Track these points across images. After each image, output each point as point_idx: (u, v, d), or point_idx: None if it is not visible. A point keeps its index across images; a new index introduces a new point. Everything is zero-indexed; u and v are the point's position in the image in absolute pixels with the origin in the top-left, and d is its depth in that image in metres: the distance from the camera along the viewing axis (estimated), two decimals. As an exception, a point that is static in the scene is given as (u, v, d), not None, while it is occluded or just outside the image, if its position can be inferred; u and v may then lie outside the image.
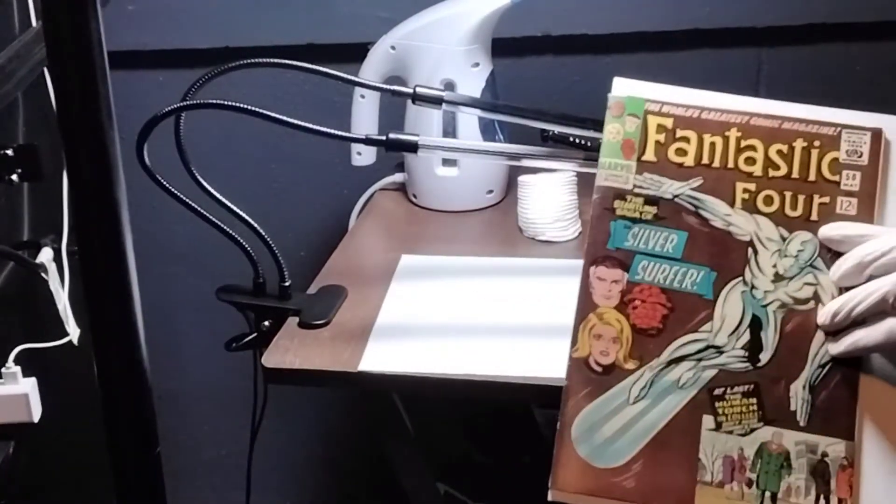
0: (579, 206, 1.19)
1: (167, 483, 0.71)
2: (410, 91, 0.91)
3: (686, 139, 0.72)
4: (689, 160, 0.72)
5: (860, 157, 0.71)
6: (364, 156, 1.32)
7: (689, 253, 0.70)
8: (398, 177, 1.37)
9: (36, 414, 1.15)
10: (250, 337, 1.00)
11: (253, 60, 0.90)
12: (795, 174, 0.71)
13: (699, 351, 0.69)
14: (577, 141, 1.23)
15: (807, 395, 0.68)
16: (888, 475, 0.67)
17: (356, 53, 1.30)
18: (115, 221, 0.63)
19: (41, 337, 1.21)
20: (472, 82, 1.25)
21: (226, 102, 0.88)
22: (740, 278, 0.70)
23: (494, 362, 0.90)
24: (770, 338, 0.69)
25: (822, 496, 0.67)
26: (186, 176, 0.92)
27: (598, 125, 0.75)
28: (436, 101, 0.92)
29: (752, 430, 0.68)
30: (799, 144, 0.71)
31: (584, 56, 1.51)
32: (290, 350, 0.93)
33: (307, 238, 1.60)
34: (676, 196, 0.71)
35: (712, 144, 0.72)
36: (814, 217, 0.70)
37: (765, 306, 0.69)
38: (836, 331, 0.67)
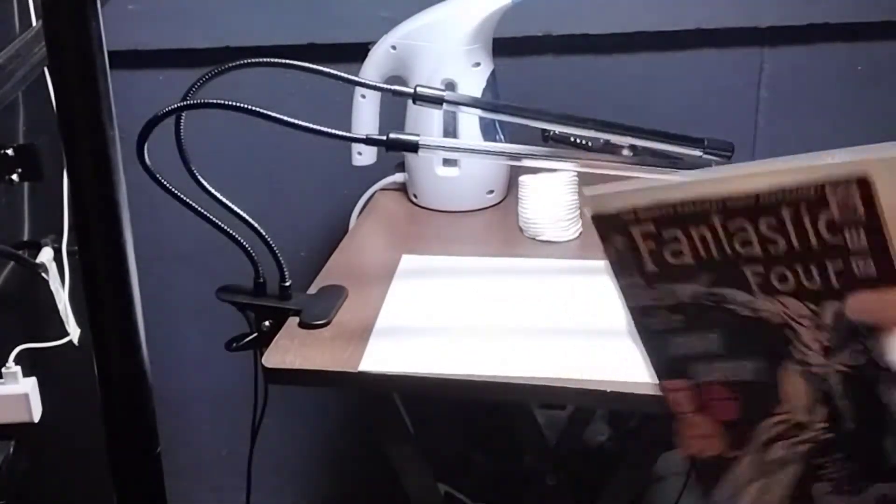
0: (580, 207, 1.19)
1: (167, 483, 0.71)
2: (411, 91, 0.91)
3: (675, 239, 0.67)
4: (687, 259, 0.67)
5: (855, 212, 0.64)
6: (365, 156, 1.32)
7: (731, 347, 0.68)
8: (399, 177, 1.37)
9: (36, 414, 1.15)
10: (251, 337, 1.00)
11: (253, 60, 0.90)
12: (796, 246, 0.65)
13: (787, 430, 0.67)
14: (578, 141, 1.23)
15: None
16: None
17: (357, 53, 1.30)
18: (116, 221, 0.63)
19: (41, 337, 1.21)
20: (473, 82, 1.25)
21: (226, 102, 0.87)
22: (791, 359, 0.66)
23: (494, 362, 0.90)
24: (844, 406, 0.66)
25: None
26: (187, 176, 0.92)
27: (599, 125, 0.74)
28: (436, 101, 0.92)
29: (867, 488, 0.67)
30: (786, 214, 0.65)
31: (584, 56, 1.51)
32: (291, 350, 0.93)
33: (308, 238, 1.60)
34: (694, 297, 0.68)
35: (702, 237, 0.67)
36: (834, 284, 0.64)
37: (826, 379, 0.66)
38: None
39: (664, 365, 0.69)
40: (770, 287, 0.65)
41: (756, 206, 0.65)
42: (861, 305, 0.62)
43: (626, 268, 0.69)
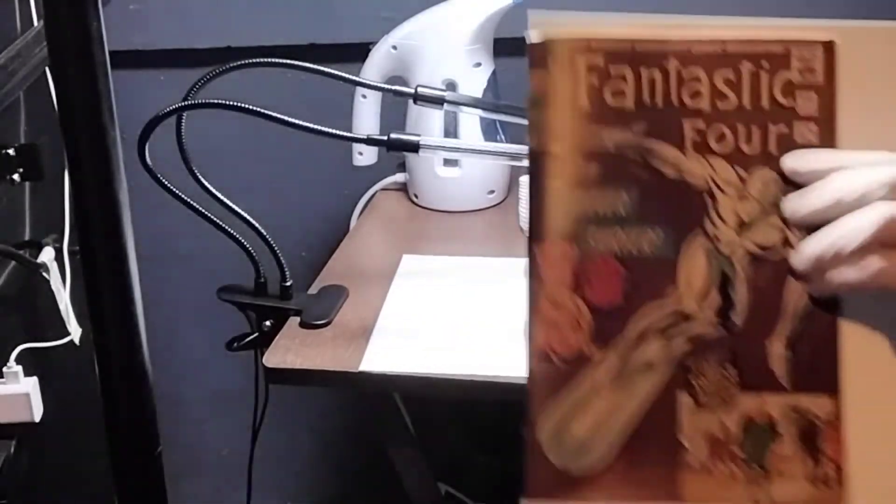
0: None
1: (168, 483, 0.71)
2: (412, 91, 0.91)
3: (622, 77, 0.63)
4: (628, 102, 0.63)
5: (814, 74, 0.63)
6: (365, 156, 1.32)
7: (641, 211, 0.63)
8: (399, 177, 1.37)
9: (37, 413, 1.15)
10: (251, 337, 1.00)
11: (254, 60, 0.90)
12: (747, 104, 0.63)
13: (666, 322, 0.63)
14: (579, 141, 1.23)
15: (786, 352, 0.62)
16: (876, 426, 0.63)
17: (358, 53, 1.30)
18: (117, 221, 0.63)
19: (42, 336, 1.21)
20: (474, 82, 1.25)
21: (227, 102, 0.88)
22: (701, 232, 0.62)
23: (495, 362, 0.90)
24: (741, 294, 0.63)
25: (812, 462, 0.63)
26: (188, 176, 0.92)
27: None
28: (437, 101, 0.92)
29: (733, 402, 0.63)
30: (746, 68, 0.63)
31: (585, 56, 1.51)
32: (291, 350, 0.93)
33: (308, 238, 1.60)
34: (619, 146, 0.63)
35: (651, 80, 0.63)
36: (772, 150, 0.63)
37: (731, 259, 0.63)
38: (809, 275, 0.61)
39: (555, 224, 0.63)
40: (705, 146, 0.63)
41: (720, 55, 0.63)
42: (797, 159, 0.61)
43: (553, 102, 0.64)
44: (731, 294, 0.62)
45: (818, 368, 0.62)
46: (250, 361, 1.01)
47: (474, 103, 1.00)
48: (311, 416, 1.75)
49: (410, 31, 1.25)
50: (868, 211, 0.58)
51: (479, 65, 1.25)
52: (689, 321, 0.63)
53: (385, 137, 0.91)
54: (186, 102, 0.88)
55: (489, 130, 1.27)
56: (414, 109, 1.27)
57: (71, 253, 1.26)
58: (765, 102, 0.63)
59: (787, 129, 0.62)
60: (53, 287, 1.21)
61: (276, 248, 0.98)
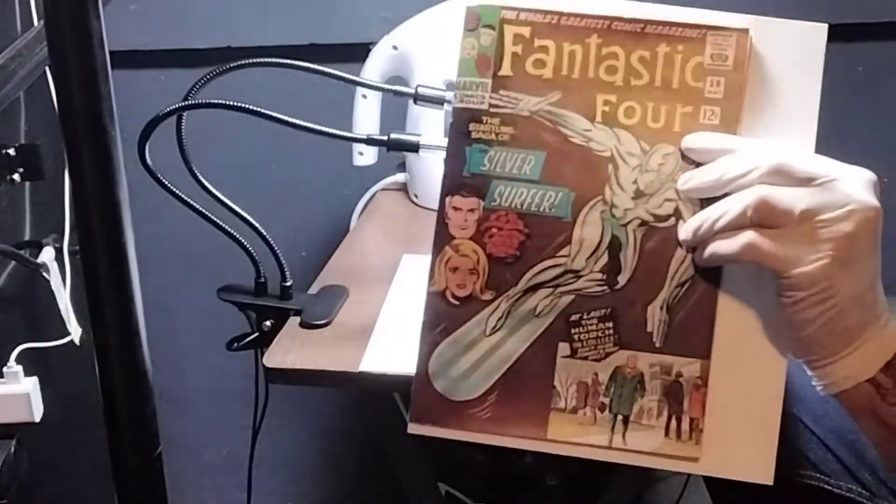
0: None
1: (168, 483, 0.71)
2: (412, 91, 0.91)
3: (545, 49, 0.68)
4: (547, 72, 0.68)
5: (725, 61, 0.67)
6: (366, 156, 1.32)
7: (547, 174, 0.67)
8: (400, 177, 1.37)
9: (37, 413, 1.15)
10: (251, 337, 1.00)
11: (255, 60, 0.90)
12: (658, 82, 0.67)
13: (556, 277, 0.67)
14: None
15: (664, 315, 0.67)
16: (743, 388, 0.67)
17: (358, 53, 1.30)
18: (117, 221, 0.63)
19: (42, 336, 1.21)
20: (474, 82, 1.25)
21: (227, 102, 0.88)
22: (600, 198, 0.67)
23: (496, 362, 0.90)
24: (629, 258, 0.67)
25: (674, 417, 0.67)
26: (188, 176, 0.92)
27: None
28: (438, 102, 0.92)
29: (608, 355, 0.67)
30: (662, 50, 0.67)
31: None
32: (292, 350, 0.93)
33: (308, 238, 1.60)
34: (534, 112, 0.68)
35: (572, 53, 0.67)
36: (676, 128, 0.67)
37: (624, 225, 0.67)
38: (695, 246, 0.66)
39: (465, 179, 0.68)
40: (614, 119, 0.67)
41: (638, 35, 0.67)
42: (694, 140, 0.66)
43: (478, 67, 0.70)
44: (620, 257, 0.67)
45: (691, 334, 0.67)
46: (250, 361, 1.01)
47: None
48: (311, 416, 1.75)
49: (411, 31, 1.25)
50: (745, 192, 0.63)
51: (479, 65, 1.25)
52: (578, 278, 0.67)
53: (385, 137, 0.91)
54: (186, 102, 0.88)
55: (489, 130, 1.27)
56: (414, 109, 1.27)
57: (71, 253, 1.26)
58: (675, 83, 0.67)
59: (692, 110, 0.67)
60: (53, 287, 1.21)
61: (276, 248, 0.98)
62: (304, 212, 1.60)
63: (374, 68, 1.26)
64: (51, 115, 1.25)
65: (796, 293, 0.63)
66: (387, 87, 0.94)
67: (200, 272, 1.61)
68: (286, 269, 1.00)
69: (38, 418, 1.15)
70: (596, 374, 0.67)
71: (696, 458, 0.67)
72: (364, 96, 1.28)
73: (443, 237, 0.68)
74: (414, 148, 0.92)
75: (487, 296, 0.68)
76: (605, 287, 0.67)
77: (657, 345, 0.67)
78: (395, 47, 1.25)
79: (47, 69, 1.11)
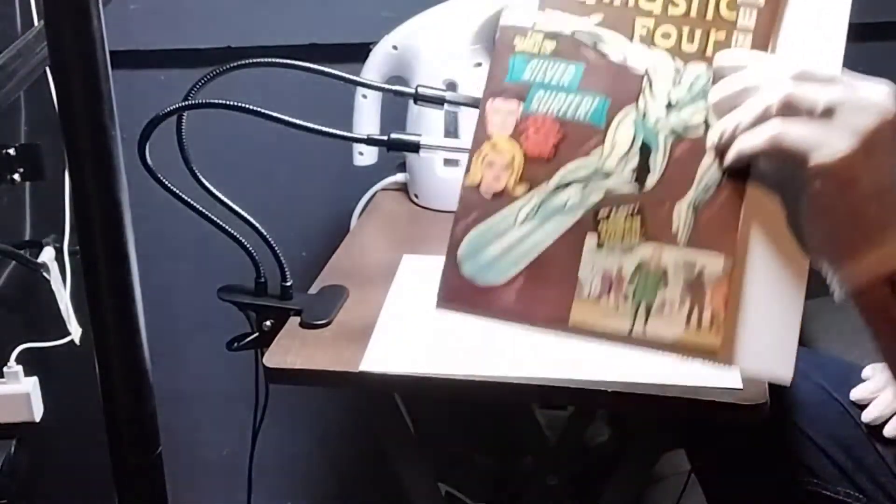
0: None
1: (168, 483, 0.71)
2: (412, 91, 0.91)
3: None
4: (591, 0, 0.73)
5: None
6: (366, 156, 1.32)
7: (584, 84, 0.72)
8: (400, 177, 1.37)
9: (37, 413, 1.15)
10: (252, 337, 1.00)
11: (255, 60, 0.90)
12: (693, 13, 0.72)
13: (588, 176, 0.71)
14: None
15: (690, 214, 0.70)
16: (765, 286, 0.69)
17: (358, 53, 1.30)
18: (117, 221, 0.63)
19: (43, 336, 1.21)
20: (474, 82, 1.25)
21: (228, 102, 0.88)
22: (633, 106, 0.71)
23: (495, 362, 0.90)
24: (659, 162, 0.71)
25: (695, 309, 0.69)
26: (188, 176, 0.92)
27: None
28: (438, 102, 0.92)
29: (633, 249, 0.70)
30: None
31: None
32: (292, 350, 0.93)
33: (309, 238, 1.60)
34: (576, 31, 0.72)
35: None
36: (709, 52, 0.71)
37: (655, 133, 0.71)
38: (724, 151, 0.69)
39: (507, 85, 0.73)
40: (650, 40, 0.72)
41: None
42: (724, 56, 0.70)
43: None
44: (649, 161, 0.71)
45: (716, 232, 0.70)
46: (250, 361, 1.01)
47: (475, 103, 0.99)
48: (311, 416, 1.75)
49: (411, 31, 1.26)
50: (770, 91, 0.66)
51: (479, 65, 1.25)
52: (608, 178, 0.71)
53: (385, 137, 0.91)
54: (187, 102, 0.88)
55: (489, 130, 1.27)
56: (414, 109, 1.27)
57: (71, 253, 1.26)
58: (710, 15, 0.72)
59: (724, 37, 0.71)
60: (54, 287, 1.21)
61: (276, 248, 0.98)
62: (305, 212, 1.60)
63: (375, 68, 1.26)
64: (51, 115, 1.25)
65: (819, 181, 0.64)
66: (387, 87, 0.94)
67: (200, 272, 1.61)
68: (286, 269, 1.00)
69: (38, 418, 1.15)
70: (621, 266, 0.70)
71: (715, 350, 0.69)
72: (364, 96, 1.28)
73: (481, 135, 0.72)
74: (414, 148, 0.92)
75: (520, 190, 0.71)
76: (635, 187, 0.70)
77: (682, 241, 0.70)
78: (395, 47, 1.25)
79: (48, 69, 1.11)
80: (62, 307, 1.23)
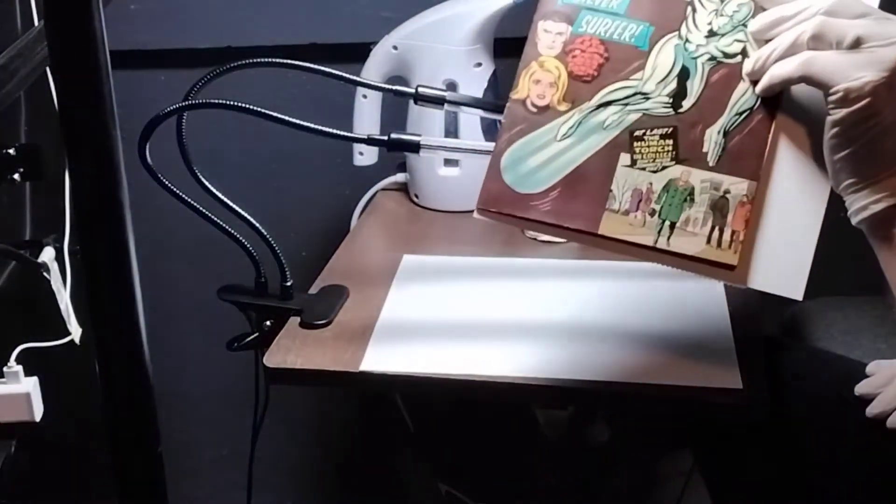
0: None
1: (168, 483, 0.71)
2: (412, 91, 0.91)
3: None
4: None
5: None
6: (366, 156, 1.32)
7: (632, 9, 0.76)
8: (400, 177, 1.37)
9: (38, 413, 1.15)
10: (252, 337, 1.00)
11: (255, 60, 0.90)
12: None
13: (627, 97, 0.75)
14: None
15: (720, 138, 0.74)
16: (786, 210, 0.74)
17: (358, 53, 1.30)
18: (117, 221, 0.63)
19: (43, 336, 1.21)
20: (475, 82, 1.25)
21: (228, 102, 0.88)
22: (676, 33, 0.75)
23: (495, 362, 0.90)
24: (695, 86, 0.75)
25: (716, 227, 0.74)
26: (188, 175, 0.92)
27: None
28: (438, 102, 0.92)
29: (664, 168, 0.74)
30: None
31: (586, 56, 1.51)
32: (292, 350, 0.93)
33: (309, 238, 1.60)
34: None
35: None
36: None
37: (695, 58, 0.75)
38: (758, 79, 0.73)
39: (558, 7, 0.77)
40: None
41: None
42: None
43: None
44: (687, 85, 0.75)
45: (744, 157, 0.74)
46: (251, 361, 1.01)
47: (475, 103, 1.00)
48: (311, 416, 1.75)
49: (411, 31, 1.25)
50: (803, 22, 0.70)
51: (479, 65, 1.25)
52: (647, 100, 0.75)
53: (385, 137, 0.91)
54: (187, 102, 0.88)
55: (490, 130, 1.27)
56: (414, 109, 1.27)
57: (71, 253, 1.26)
58: None
59: None
60: (54, 287, 1.21)
61: (276, 248, 0.98)
62: (305, 212, 1.60)
63: (375, 68, 1.26)
64: (51, 115, 1.25)
65: (843, 108, 0.68)
66: (387, 87, 0.94)
67: (201, 272, 1.61)
68: (286, 269, 1.00)
69: (38, 418, 1.15)
70: (651, 184, 0.74)
71: (733, 266, 0.74)
72: (364, 96, 1.28)
73: (530, 54, 0.77)
74: (414, 148, 0.92)
75: (563, 107, 0.76)
76: (670, 109, 0.75)
77: (711, 164, 0.74)
78: (395, 47, 1.25)
79: (48, 69, 1.11)
80: (62, 307, 1.23)
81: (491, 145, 0.80)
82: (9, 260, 1.21)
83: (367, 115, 1.28)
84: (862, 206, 0.71)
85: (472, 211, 1.34)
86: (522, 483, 1.56)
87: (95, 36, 0.59)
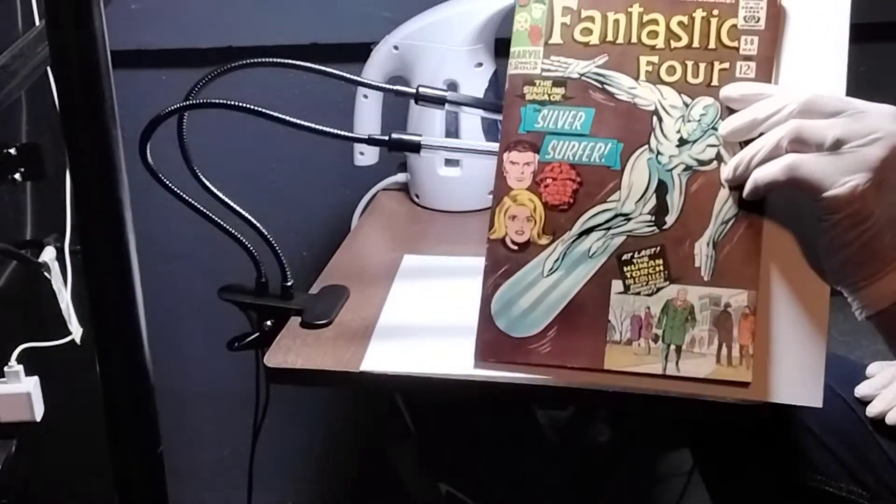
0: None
1: (169, 482, 0.71)
2: (413, 91, 0.91)
3: (591, 18, 0.74)
4: (594, 39, 0.74)
5: (758, 22, 0.73)
6: (367, 156, 1.32)
7: (596, 128, 0.73)
8: (401, 177, 1.37)
9: (38, 413, 1.15)
10: (252, 337, 1.00)
11: (256, 60, 0.90)
12: (696, 44, 0.73)
13: (608, 220, 0.73)
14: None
15: (711, 251, 0.71)
16: (790, 316, 0.71)
17: (359, 53, 1.30)
18: (118, 220, 0.63)
19: (43, 336, 1.21)
20: (475, 82, 1.25)
21: (229, 102, 0.88)
22: (646, 147, 0.72)
23: (496, 363, 0.90)
24: (675, 200, 0.72)
25: (724, 344, 0.71)
26: (189, 175, 0.92)
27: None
28: (439, 102, 0.92)
29: (659, 290, 0.72)
30: (699, 15, 0.73)
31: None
32: (292, 350, 0.93)
33: (309, 238, 1.60)
34: (583, 75, 0.74)
35: (616, 22, 0.74)
36: (715, 83, 0.73)
37: (670, 170, 0.72)
38: (739, 185, 0.71)
39: (521, 136, 0.74)
40: (657, 77, 0.73)
41: (676, 4, 0.74)
42: (731, 89, 0.71)
43: (531, 37, 0.75)
44: (666, 200, 0.72)
45: (738, 266, 0.71)
46: (251, 361, 1.01)
47: (476, 103, 1.00)
48: (311, 416, 1.75)
49: (412, 31, 1.25)
50: (779, 126, 0.68)
51: (480, 65, 1.25)
52: (628, 221, 0.73)
53: (386, 137, 0.91)
54: (188, 102, 0.88)
55: (490, 130, 1.27)
56: (415, 109, 1.27)
57: (72, 252, 1.26)
58: (712, 43, 0.73)
59: (728, 66, 0.73)
60: (55, 286, 1.21)
61: (277, 248, 0.98)
62: (305, 212, 1.60)
63: (376, 68, 1.26)
64: (52, 115, 1.25)
65: (833, 215, 0.66)
66: (388, 87, 0.94)
67: (201, 272, 1.61)
68: (287, 269, 1.00)
69: (38, 418, 1.15)
70: (648, 308, 0.72)
71: (748, 382, 0.71)
72: (365, 96, 1.28)
73: (501, 189, 0.75)
74: (415, 148, 0.92)
75: (544, 240, 0.73)
76: (654, 227, 0.72)
77: (706, 278, 0.71)
78: (396, 47, 1.25)
79: (49, 69, 1.11)
80: (63, 307, 1.23)
81: (492, 145, 0.81)
82: (9, 260, 1.21)
83: (367, 115, 1.28)
84: (867, 304, 0.69)
85: (472, 211, 1.35)
86: (522, 483, 1.56)
87: (96, 36, 0.59)
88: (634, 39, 0.73)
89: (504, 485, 1.58)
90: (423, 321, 0.99)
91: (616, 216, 0.72)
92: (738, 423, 0.90)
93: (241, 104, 0.88)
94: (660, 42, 0.73)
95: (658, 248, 0.72)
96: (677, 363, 0.71)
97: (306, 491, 1.83)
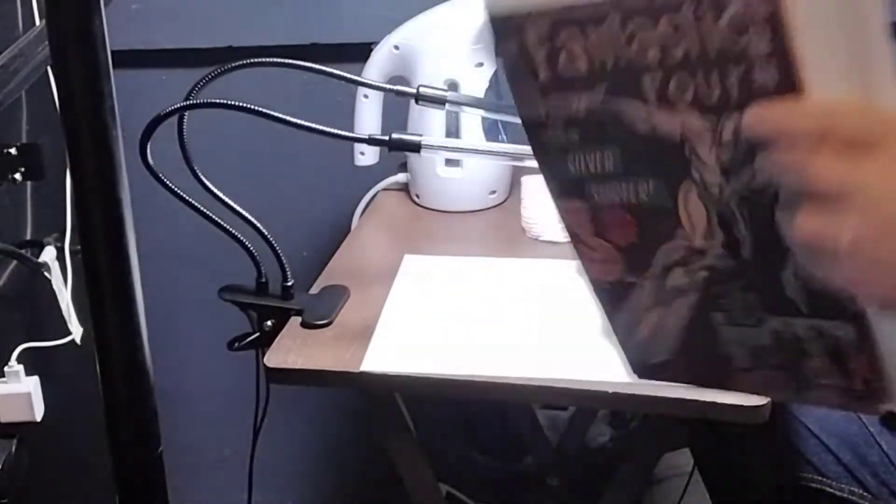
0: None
1: (169, 482, 0.71)
2: (414, 91, 0.91)
3: (572, 40, 0.62)
4: (582, 66, 0.62)
5: (763, 2, 0.56)
6: (367, 156, 1.32)
7: (628, 166, 0.64)
8: (401, 177, 1.37)
9: (38, 413, 1.15)
10: (253, 337, 1.00)
11: (256, 60, 0.90)
12: (697, 46, 0.58)
13: (684, 257, 0.66)
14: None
15: (797, 282, 0.62)
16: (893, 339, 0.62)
17: (360, 53, 1.30)
18: (118, 220, 0.63)
19: (44, 336, 1.21)
20: (476, 82, 1.25)
21: (229, 102, 0.88)
22: (689, 179, 0.62)
23: (496, 363, 0.90)
24: (743, 232, 0.63)
25: (843, 375, 0.63)
26: (189, 175, 0.92)
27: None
28: (439, 102, 0.92)
29: (761, 321, 0.65)
30: (688, 7, 0.57)
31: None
32: (293, 350, 0.93)
33: (310, 238, 1.60)
34: (589, 109, 0.63)
35: (599, 42, 0.61)
36: (734, 95, 0.58)
37: (726, 202, 0.62)
38: None
39: (561, 185, 0.67)
40: (667, 97, 0.60)
41: (654, 2, 0.58)
42: (756, 118, 0.57)
43: (520, 75, 0.65)
44: (735, 233, 0.63)
45: (834, 297, 0.61)
46: (251, 361, 1.01)
47: (476, 103, 1.00)
48: (311, 416, 1.75)
49: (412, 31, 1.25)
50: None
51: (481, 65, 1.25)
52: (703, 255, 0.65)
53: (387, 137, 0.91)
54: (188, 102, 0.88)
55: (491, 131, 1.27)
56: (416, 109, 1.27)
57: (72, 252, 1.26)
58: (716, 41, 0.57)
59: (745, 69, 0.57)
60: (55, 286, 1.21)
61: (277, 248, 0.98)
62: (306, 212, 1.60)
63: (376, 68, 1.26)
64: (52, 115, 1.24)
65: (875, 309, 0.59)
66: (388, 87, 0.94)
67: (201, 272, 1.61)
68: (287, 269, 1.00)
69: (38, 418, 1.15)
70: (758, 339, 0.66)
71: (883, 412, 0.69)
72: (365, 96, 1.28)
73: (572, 236, 0.69)
74: (415, 148, 0.92)
75: (633, 279, 0.68)
76: (733, 260, 0.64)
77: (804, 311, 0.63)
78: (396, 47, 1.25)
79: (49, 69, 1.11)
80: (63, 307, 1.23)
81: (492, 145, 0.79)
82: (10, 260, 1.21)
83: (368, 115, 1.28)
84: None
85: (472, 211, 1.35)
86: (522, 483, 1.56)
87: (96, 36, 0.59)
88: (625, 56, 0.60)
89: (504, 485, 1.58)
90: (423, 321, 0.99)
91: (689, 251, 0.65)
92: (738, 423, 0.90)
93: (241, 104, 0.88)
94: (654, 53, 0.59)
95: (746, 281, 0.64)
96: (807, 395, 0.66)
97: (306, 491, 1.83)
